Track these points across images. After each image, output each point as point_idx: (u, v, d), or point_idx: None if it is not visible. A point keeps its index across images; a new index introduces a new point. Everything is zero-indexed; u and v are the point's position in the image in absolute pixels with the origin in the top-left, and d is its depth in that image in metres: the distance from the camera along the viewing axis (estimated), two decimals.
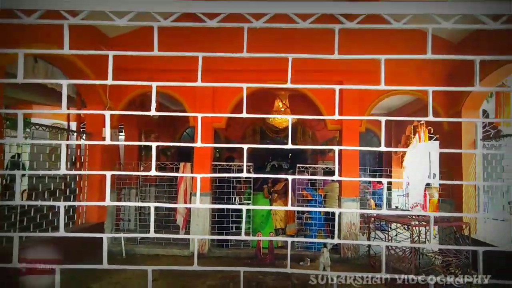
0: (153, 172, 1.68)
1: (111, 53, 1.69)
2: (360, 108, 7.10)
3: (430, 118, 1.83)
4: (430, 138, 9.16)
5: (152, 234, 1.62)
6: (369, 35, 6.42)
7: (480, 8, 1.74)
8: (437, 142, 8.44)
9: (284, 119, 8.60)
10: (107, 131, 1.63)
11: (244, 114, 1.83)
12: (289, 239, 1.85)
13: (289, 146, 1.87)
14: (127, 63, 5.94)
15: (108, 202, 1.87)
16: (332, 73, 6.74)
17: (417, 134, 9.14)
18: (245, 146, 1.84)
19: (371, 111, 7.45)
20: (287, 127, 9.43)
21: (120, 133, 8.11)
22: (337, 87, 1.86)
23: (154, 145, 1.79)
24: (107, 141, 1.67)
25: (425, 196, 9.49)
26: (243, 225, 2.28)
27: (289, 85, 1.90)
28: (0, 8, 1.63)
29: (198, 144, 2.01)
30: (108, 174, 1.58)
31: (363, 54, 1.81)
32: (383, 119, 1.90)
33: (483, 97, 6.96)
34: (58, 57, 5.55)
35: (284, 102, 8.64)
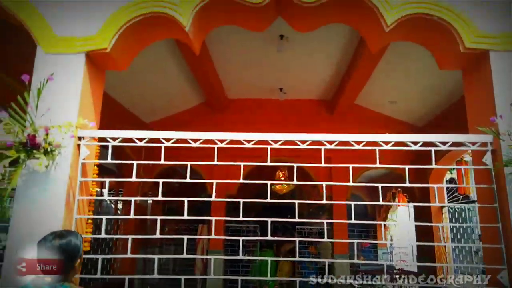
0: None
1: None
2: (347, 179, 8.00)
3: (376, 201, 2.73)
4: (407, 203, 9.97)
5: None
6: (350, 123, 7.60)
7: (403, 138, 2.72)
8: (412, 206, 9.23)
9: (284, 186, 9.49)
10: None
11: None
12: (297, 279, 2.66)
13: (296, 219, 2.76)
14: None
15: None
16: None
17: (396, 199, 9.96)
18: (269, 220, 2.72)
19: (356, 180, 8.38)
20: (286, 193, 10.27)
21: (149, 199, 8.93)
22: (324, 184, 2.79)
23: (212, 219, 2.66)
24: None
25: None
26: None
27: (295, 182, 2.82)
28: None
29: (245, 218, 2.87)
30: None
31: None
32: (352, 203, 2.81)
33: (445, 171, 7.93)
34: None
35: (283, 172, 9.58)
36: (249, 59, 6.55)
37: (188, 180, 2.76)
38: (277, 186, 9.46)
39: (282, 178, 9.67)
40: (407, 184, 2.79)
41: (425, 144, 2.69)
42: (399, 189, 9.62)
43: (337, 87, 7.50)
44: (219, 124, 7.81)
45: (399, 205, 9.69)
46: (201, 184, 8.22)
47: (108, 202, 8.37)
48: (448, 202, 8.60)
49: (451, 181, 9.65)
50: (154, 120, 8.00)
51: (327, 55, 6.37)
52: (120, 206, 7.54)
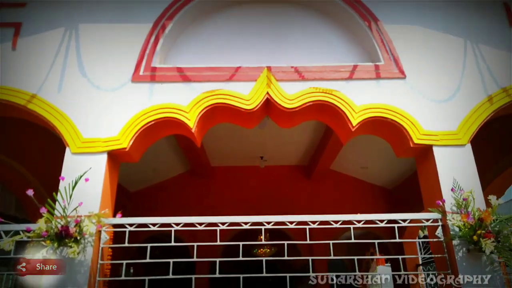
0: None
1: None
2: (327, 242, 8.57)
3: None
4: (385, 262, 10.56)
5: None
6: (326, 187, 8.35)
7: (372, 217, 3.41)
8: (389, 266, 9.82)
9: (265, 250, 9.89)
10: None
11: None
12: None
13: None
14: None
15: None
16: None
17: (374, 260, 10.52)
18: None
19: (337, 239, 8.97)
20: (267, 256, 10.65)
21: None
22: (316, 258, 3.39)
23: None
24: None
25: None
26: None
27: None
28: None
29: None
30: None
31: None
32: (333, 274, 3.40)
33: (417, 230, 8.67)
34: None
35: (265, 236, 10.02)
36: (232, 132, 7.31)
37: (194, 259, 3.27)
38: (259, 250, 9.85)
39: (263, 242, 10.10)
40: (385, 256, 3.42)
41: (390, 221, 3.39)
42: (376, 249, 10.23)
43: (313, 154, 8.32)
44: (202, 190, 8.35)
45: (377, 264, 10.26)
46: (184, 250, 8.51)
47: None
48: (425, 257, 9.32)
49: (425, 237, 10.52)
50: (140, 189, 8.44)
51: (303, 125, 7.23)
52: None
